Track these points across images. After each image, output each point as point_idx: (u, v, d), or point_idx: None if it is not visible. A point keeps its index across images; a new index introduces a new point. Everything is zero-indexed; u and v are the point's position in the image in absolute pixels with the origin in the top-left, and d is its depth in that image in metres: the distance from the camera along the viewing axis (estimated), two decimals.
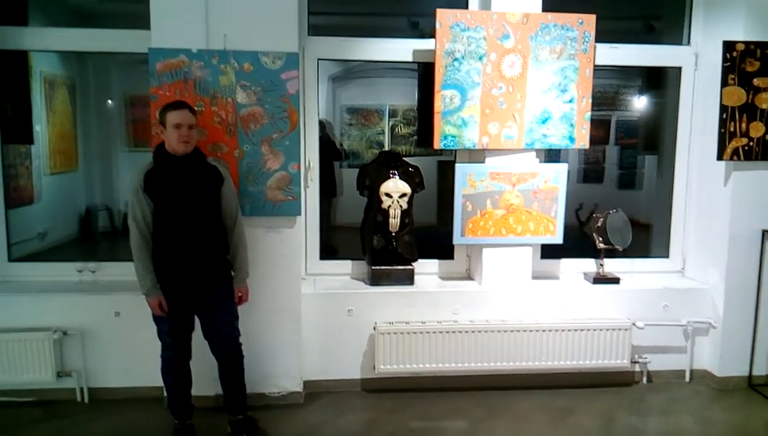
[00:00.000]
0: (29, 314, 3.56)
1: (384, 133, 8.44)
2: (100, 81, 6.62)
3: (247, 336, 3.33)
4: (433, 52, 3.65)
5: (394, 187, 3.82)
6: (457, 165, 3.78)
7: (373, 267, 3.87)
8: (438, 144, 3.67)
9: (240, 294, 3.17)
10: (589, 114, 3.75)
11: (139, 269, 3.00)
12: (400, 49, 3.89)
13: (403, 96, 7.99)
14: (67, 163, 6.27)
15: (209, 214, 3.05)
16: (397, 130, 8.39)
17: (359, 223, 4.09)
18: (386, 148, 8.25)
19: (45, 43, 3.85)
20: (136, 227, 2.98)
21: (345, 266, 4.09)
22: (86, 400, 3.66)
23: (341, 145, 8.10)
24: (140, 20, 3.52)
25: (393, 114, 8.40)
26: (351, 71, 8.05)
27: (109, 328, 3.62)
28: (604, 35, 3.79)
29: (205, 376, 3.36)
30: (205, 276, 3.07)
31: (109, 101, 6.78)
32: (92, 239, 6.27)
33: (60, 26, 3.94)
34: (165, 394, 3.28)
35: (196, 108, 3.27)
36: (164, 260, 3.02)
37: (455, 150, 3.87)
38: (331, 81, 8.04)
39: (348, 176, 6.36)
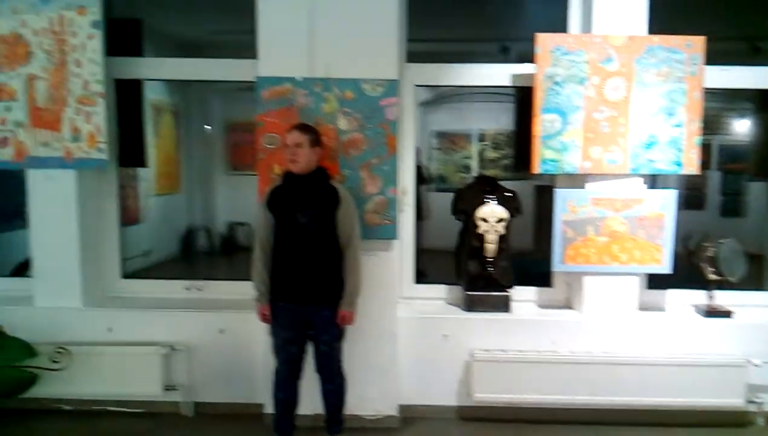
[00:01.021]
0: (140, 329, 3.75)
1: (472, 157, 8.42)
2: (201, 108, 6.99)
3: (345, 358, 3.36)
4: (532, 76, 3.62)
5: (491, 212, 3.78)
6: (556, 190, 3.71)
7: (469, 293, 3.83)
8: (537, 168, 3.61)
9: (343, 315, 3.20)
10: (698, 138, 3.59)
11: (254, 277, 3.21)
12: (497, 74, 3.87)
13: (492, 120, 7.96)
14: (171, 185, 6.63)
15: (320, 234, 3.12)
16: (486, 154, 8.36)
17: (447, 247, 4.07)
18: (474, 172, 8.22)
19: (158, 72, 4.09)
20: (257, 238, 3.21)
21: (439, 290, 4.07)
22: (191, 414, 3.80)
23: (428, 169, 8.13)
24: (244, 50, 3.70)
25: (482, 138, 8.38)
26: (441, 96, 8.10)
27: (213, 344, 3.75)
28: (707, 57, 3.64)
29: (311, 394, 3.41)
30: (312, 293, 3.15)
31: (208, 127, 7.14)
32: (192, 257, 6.59)
33: (170, 56, 4.19)
34: (270, 411, 3.36)
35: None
36: (276, 274, 3.18)
37: (553, 175, 3.79)
38: (421, 106, 8.13)
39: (435, 200, 6.37)
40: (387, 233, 3.58)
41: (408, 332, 3.72)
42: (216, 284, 4.03)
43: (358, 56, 3.52)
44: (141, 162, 4.42)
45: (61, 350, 3.55)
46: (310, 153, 3.13)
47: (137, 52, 4.19)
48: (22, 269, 4.23)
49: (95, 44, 3.62)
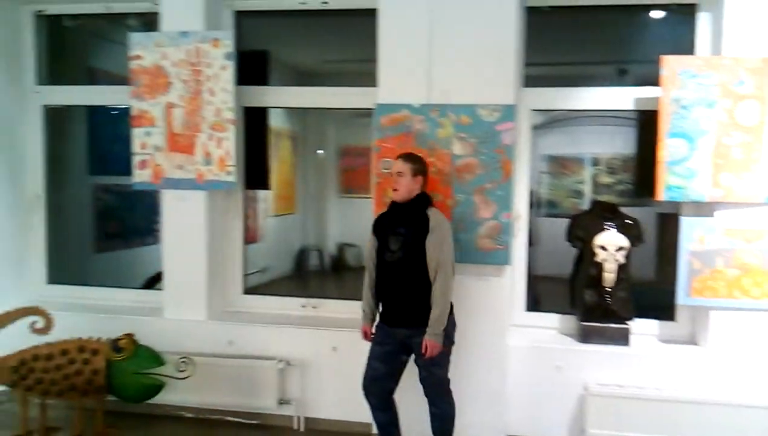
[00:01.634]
0: (258, 343, 3.93)
1: (585, 182, 8.16)
2: (317, 133, 7.28)
3: (452, 383, 3.34)
4: (656, 99, 3.48)
5: (611, 239, 3.65)
6: (682, 218, 3.52)
7: (584, 323, 3.70)
8: (661, 195, 3.45)
9: (426, 344, 3.12)
10: None
11: (363, 298, 3.36)
12: (617, 97, 3.76)
13: (607, 144, 7.69)
14: (287, 206, 6.93)
15: (408, 261, 3.14)
16: (599, 179, 8.07)
17: (557, 274, 3.96)
18: (587, 197, 7.96)
19: (283, 100, 4.33)
20: (366, 260, 3.38)
21: (552, 319, 3.96)
22: (302, 428, 3.92)
23: (537, 193, 7.96)
24: (363, 78, 3.83)
25: (595, 163, 8.10)
26: (552, 120, 7.94)
27: (326, 361, 3.86)
28: None
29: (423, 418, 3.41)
30: (402, 318, 3.20)
31: (321, 151, 7.41)
32: (305, 276, 6.83)
33: (293, 84, 4.42)
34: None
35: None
36: (377, 296, 3.30)
37: (679, 202, 3.61)
38: (531, 130, 8.01)
39: (545, 226, 6.22)
40: (499, 258, 3.55)
41: (519, 360, 3.65)
42: (329, 303, 4.16)
43: (474, 82, 3.56)
44: (265, 185, 4.66)
45: (185, 360, 3.77)
46: (411, 182, 3.19)
47: (264, 81, 4.45)
48: (153, 283, 4.56)
49: (227, 74, 3.88)
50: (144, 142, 3.97)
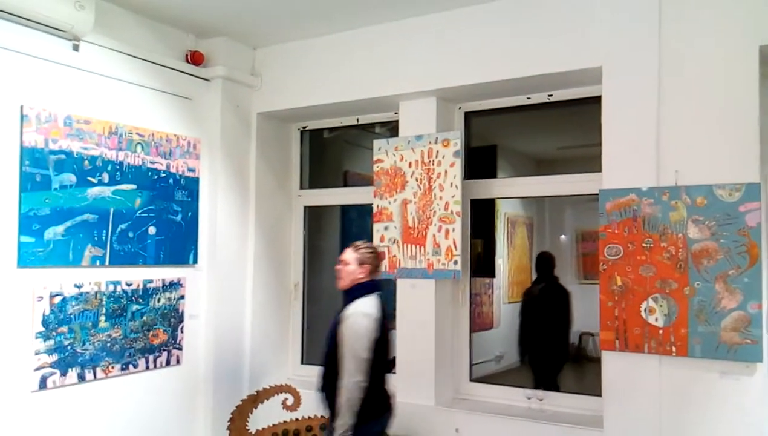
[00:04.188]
0: (484, 433, 3.93)
1: None
2: (554, 219, 7.21)
3: None
4: None
5: None
6: None
7: None
8: None
9: None
10: None
11: None
12: None
13: None
14: (522, 293, 6.89)
15: (329, 351, 3.15)
16: None
17: None
18: None
19: (508, 191, 4.46)
20: None
21: None
22: None
23: None
24: (593, 163, 3.80)
25: None
26: None
27: None
28: None
29: None
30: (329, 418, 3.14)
31: (562, 237, 7.29)
32: (540, 365, 6.64)
33: (523, 175, 4.53)
34: None
35: (643, 245, 3.30)
36: None
37: None
38: None
39: None
40: (748, 354, 3.12)
41: None
42: (557, 396, 4.01)
43: (710, 160, 3.30)
44: (491, 272, 4.77)
45: None
46: (355, 271, 3.24)
47: (492, 174, 4.65)
48: (391, 365, 4.87)
49: (455, 170, 4.15)
50: (383, 235, 4.39)
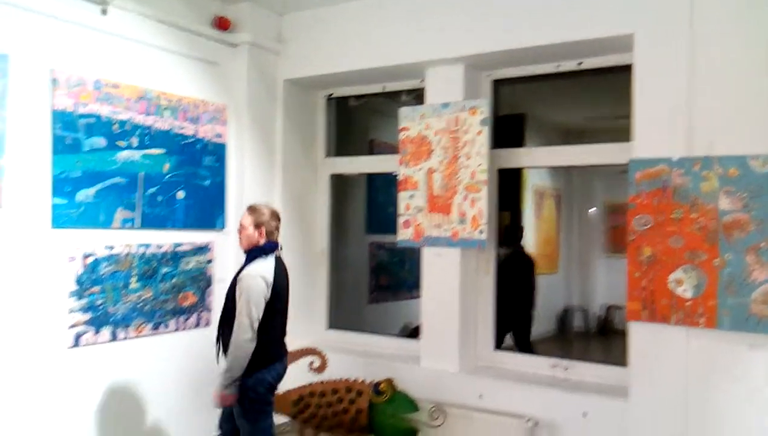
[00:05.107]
0: (507, 400, 3.93)
1: None
2: (583, 191, 7.13)
3: None
4: None
5: None
6: None
7: None
8: None
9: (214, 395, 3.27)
10: None
11: None
12: None
13: None
14: (549, 265, 6.85)
15: (226, 307, 3.37)
16: None
17: None
18: None
19: (535, 160, 4.41)
20: None
21: None
22: None
23: None
24: (623, 134, 3.74)
25: None
26: None
27: (576, 427, 3.70)
28: None
29: None
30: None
31: (592, 209, 7.21)
32: (567, 337, 6.63)
33: (552, 145, 4.47)
34: None
35: (673, 216, 3.26)
36: None
37: None
38: None
39: None
40: None
41: None
42: (583, 366, 4.01)
43: (744, 131, 3.22)
44: (517, 243, 4.75)
45: (437, 409, 3.96)
46: (251, 235, 3.38)
47: (519, 142, 4.60)
48: (414, 333, 4.91)
49: (482, 139, 4.11)
50: (408, 203, 4.38)
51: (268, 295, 3.29)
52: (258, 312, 3.23)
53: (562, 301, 6.91)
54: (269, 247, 3.41)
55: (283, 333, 3.51)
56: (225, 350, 3.34)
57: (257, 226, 3.37)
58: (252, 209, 3.43)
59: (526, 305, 5.12)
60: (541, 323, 6.61)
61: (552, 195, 6.94)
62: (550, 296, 6.84)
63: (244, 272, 3.31)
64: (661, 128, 3.44)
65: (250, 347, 3.22)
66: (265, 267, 3.33)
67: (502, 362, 4.30)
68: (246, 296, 3.22)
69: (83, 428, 3.68)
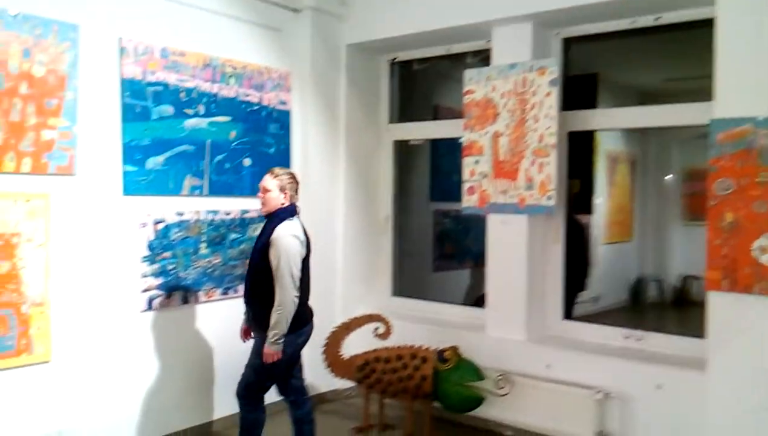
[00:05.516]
0: (576, 370, 3.85)
1: None
2: (659, 156, 6.78)
3: None
4: None
5: None
6: None
7: None
8: None
9: (264, 352, 3.27)
10: None
11: None
12: None
13: None
14: (622, 233, 6.58)
15: (256, 270, 3.35)
16: None
17: None
18: None
19: (607, 122, 4.21)
20: None
21: None
22: None
23: None
24: (703, 95, 3.50)
25: None
26: None
27: (649, 398, 3.58)
28: None
29: None
30: (251, 325, 3.50)
31: (669, 176, 6.86)
32: (640, 307, 6.38)
33: (627, 106, 4.25)
34: None
35: (758, 179, 3.04)
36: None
37: None
38: None
39: None
40: None
41: None
42: (657, 337, 3.86)
43: None
44: (588, 210, 4.57)
45: (503, 377, 3.91)
46: (278, 197, 3.35)
47: (591, 104, 4.39)
48: (480, 301, 4.83)
49: (551, 101, 3.95)
50: (473, 169, 4.28)
51: (304, 252, 3.37)
52: (297, 270, 3.30)
53: (635, 270, 6.64)
54: (293, 209, 3.46)
55: (308, 296, 3.51)
56: (254, 312, 3.43)
57: (282, 189, 3.40)
58: (274, 173, 3.45)
59: (579, 274, 4.85)
60: (614, 293, 6.40)
61: (626, 160, 6.63)
62: (622, 265, 6.59)
63: (277, 232, 3.32)
64: (745, 86, 3.21)
65: (295, 303, 3.29)
66: (295, 227, 3.38)
67: (572, 331, 4.19)
68: (285, 256, 3.27)
69: (156, 388, 3.84)
